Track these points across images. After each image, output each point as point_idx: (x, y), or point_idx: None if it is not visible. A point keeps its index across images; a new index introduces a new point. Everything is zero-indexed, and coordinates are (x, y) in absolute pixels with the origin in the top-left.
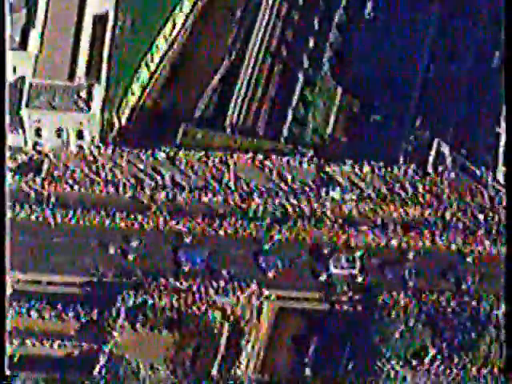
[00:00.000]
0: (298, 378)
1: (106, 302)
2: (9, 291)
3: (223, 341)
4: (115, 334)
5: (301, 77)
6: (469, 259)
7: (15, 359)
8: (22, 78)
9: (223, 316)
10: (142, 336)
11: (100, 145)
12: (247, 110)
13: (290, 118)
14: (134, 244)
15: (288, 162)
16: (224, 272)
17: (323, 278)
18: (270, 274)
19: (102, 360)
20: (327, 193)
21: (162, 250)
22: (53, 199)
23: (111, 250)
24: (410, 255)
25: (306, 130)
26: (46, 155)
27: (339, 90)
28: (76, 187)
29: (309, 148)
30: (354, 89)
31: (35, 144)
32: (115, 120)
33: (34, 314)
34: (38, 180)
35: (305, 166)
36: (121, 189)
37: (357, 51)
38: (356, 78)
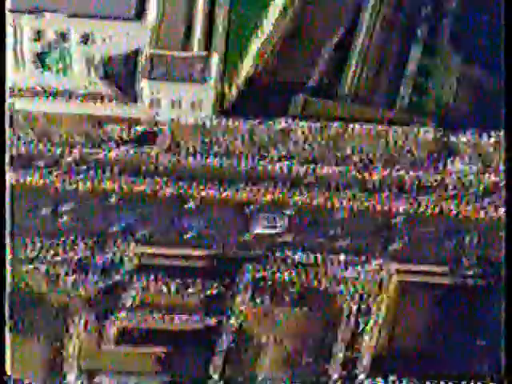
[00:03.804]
0: (424, 351)
1: (229, 275)
2: (134, 263)
3: (348, 315)
4: (240, 308)
5: (419, 45)
6: None
7: (140, 333)
8: (137, 50)
9: (347, 291)
10: (267, 310)
11: (215, 116)
12: (364, 79)
13: (408, 86)
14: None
15: (409, 131)
16: (345, 246)
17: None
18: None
19: (227, 335)
20: (451, 163)
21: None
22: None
23: (232, 223)
24: None
25: (425, 98)
26: (163, 127)
27: (459, 58)
28: (191, 159)
29: (429, 117)
30: (475, 56)
31: (152, 115)
32: (230, 91)
33: (158, 287)
34: (155, 151)
35: (427, 135)
36: (236, 160)
37: (476, 19)
38: (476, 45)
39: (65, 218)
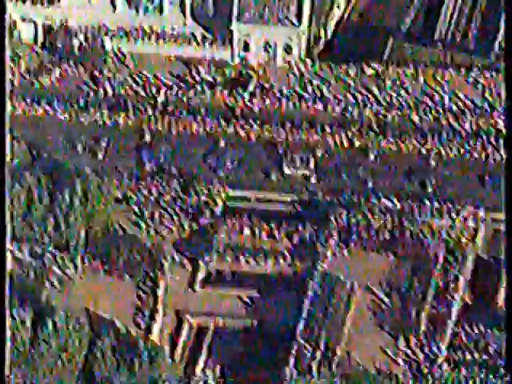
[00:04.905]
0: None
1: (318, 220)
2: (219, 207)
3: (439, 265)
4: (328, 253)
5: None
6: None
7: (228, 276)
8: None
9: (438, 239)
10: (355, 256)
11: (307, 59)
12: (458, 24)
13: (502, 32)
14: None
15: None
16: (438, 193)
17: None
18: None
19: (316, 280)
20: None
21: None
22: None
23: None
24: None
25: None
26: (254, 70)
27: None
28: (283, 103)
29: None
30: None
31: (243, 59)
32: (322, 34)
33: (246, 230)
34: (246, 95)
35: None
36: (328, 105)
37: None
38: None
39: (152, 161)
